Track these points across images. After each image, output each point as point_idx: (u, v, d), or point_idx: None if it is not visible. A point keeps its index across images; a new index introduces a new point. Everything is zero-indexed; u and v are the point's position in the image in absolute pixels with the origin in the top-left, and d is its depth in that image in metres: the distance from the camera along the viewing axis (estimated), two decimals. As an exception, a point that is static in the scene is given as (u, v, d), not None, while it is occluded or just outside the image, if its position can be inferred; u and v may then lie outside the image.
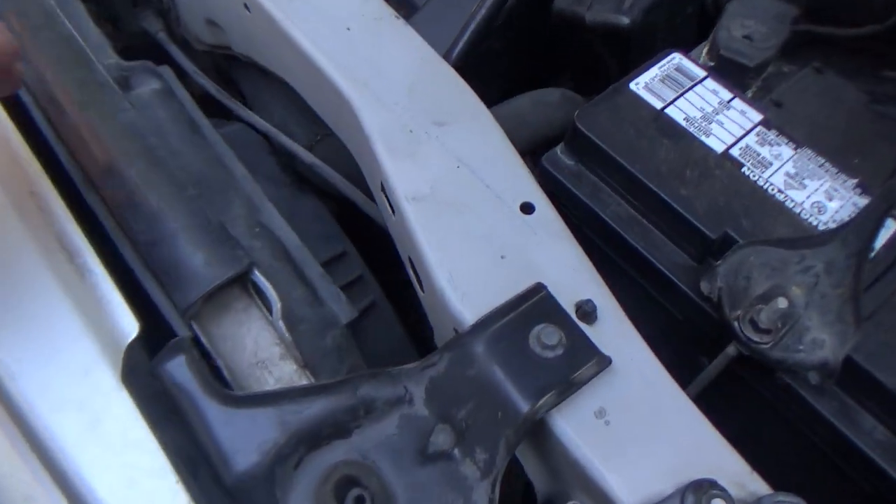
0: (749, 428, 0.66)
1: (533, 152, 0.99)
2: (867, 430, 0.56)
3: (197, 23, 0.78)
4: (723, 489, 0.41)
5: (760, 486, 0.43)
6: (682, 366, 0.68)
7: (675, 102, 0.68)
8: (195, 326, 0.49)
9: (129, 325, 0.47)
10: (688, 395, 0.62)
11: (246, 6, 0.66)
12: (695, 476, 0.43)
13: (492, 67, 0.94)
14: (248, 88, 0.86)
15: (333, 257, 0.81)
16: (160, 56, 0.83)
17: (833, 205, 0.63)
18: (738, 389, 0.63)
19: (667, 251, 0.64)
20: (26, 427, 0.44)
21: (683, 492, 0.41)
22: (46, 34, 0.59)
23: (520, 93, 1.05)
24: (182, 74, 0.79)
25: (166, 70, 0.68)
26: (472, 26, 0.81)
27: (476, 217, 0.52)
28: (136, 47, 0.85)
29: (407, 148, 0.55)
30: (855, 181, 0.64)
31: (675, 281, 0.62)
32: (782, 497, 0.41)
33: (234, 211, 0.57)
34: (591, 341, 0.46)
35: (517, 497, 0.56)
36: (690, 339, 0.66)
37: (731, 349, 0.57)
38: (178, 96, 0.65)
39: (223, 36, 0.77)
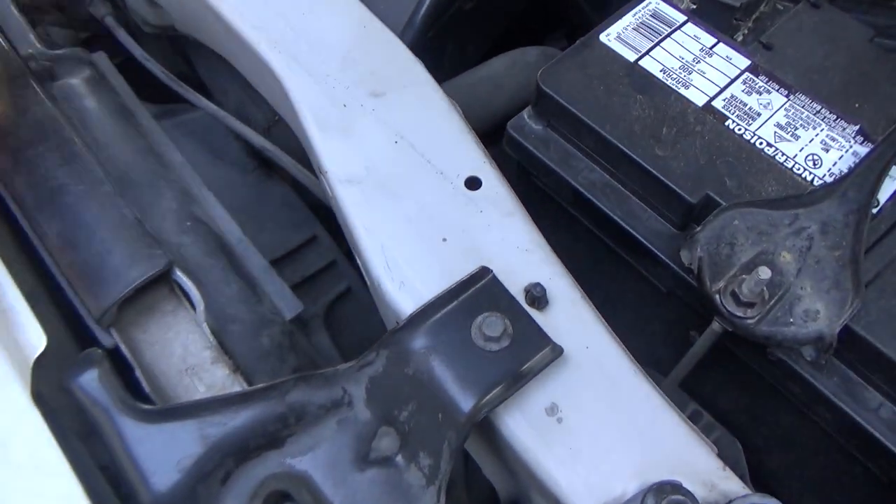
0: (747, 407, 0.61)
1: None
2: (872, 407, 0.50)
3: (140, 4, 0.73)
4: (687, 492, 0.36)
5: (733, 486, 0.38)
6: (673, 342, 0.63)
7: (651, 53, 0.61)
8: (115, 333, 0.45)
9: (37, 339, 0.43)
10: (675, 375, 0.57)
11: (175, -19, 0.61)
12: (660, 476, 0.38)
13: (464, 30, 0.88)
14: (204, 70, 0.81)
15: (303, 243, 0.77)
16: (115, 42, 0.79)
17: (830, 156, 0.56)
18: (732, 366, 0.57)
19: (645, 219, 0.58)
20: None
21: (643, 496, 0.36)
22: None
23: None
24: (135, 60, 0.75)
25: (101, 57, 0.64)
26: (435, -15, 0.75)
27: (415, 197, 0.47)
28: (99, 36, 0.82)
29: (340, 125, 0.50)
30: (856, 127, 0.57)
31: (655, 251, 0.57)
32: (756, 499, 0.36)
33: (163, 205, 0.53)
34: (540, 329, 0.41)
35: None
36: (678, 313, 0.61)
37: (715, 325, 0.52)
38: (112, 84, 0.61)
39: (166, 16, 0.72)
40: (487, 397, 0.40)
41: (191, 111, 0.79)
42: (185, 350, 0.47)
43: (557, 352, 0.41)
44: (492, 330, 0.41)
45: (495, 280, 0.43)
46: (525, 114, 0.63)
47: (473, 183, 0.48)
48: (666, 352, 0.64)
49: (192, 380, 0.46)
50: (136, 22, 0.81)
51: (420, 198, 0.47)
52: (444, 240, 0.45)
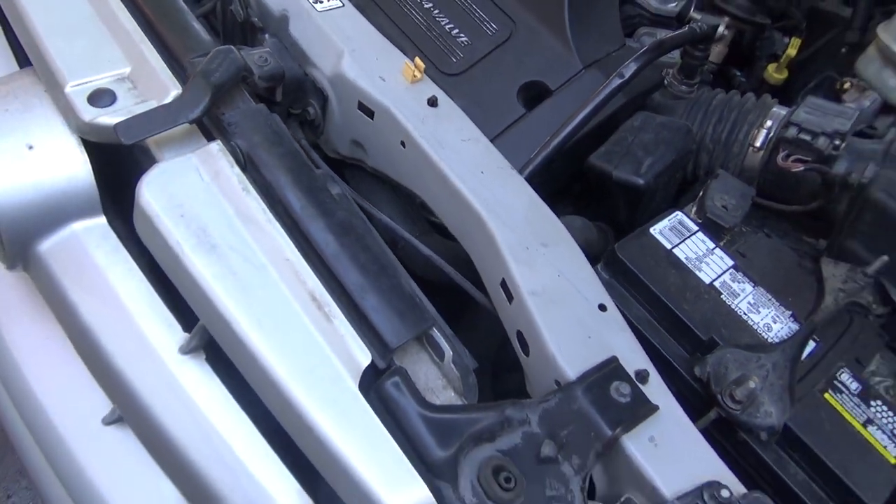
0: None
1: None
2: (793, 473, 0.86)
3: (342, 140, 1.06)
4: (725, 485, 0.70)
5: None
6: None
7: (679, 245, 1.01)
8: (395, 360, 0.75)
9: (362, 355, 0.72)
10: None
11: (402, 144, 0.95)
12: (706, 478, 0.72)
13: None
14: (361, 187, 1.13)
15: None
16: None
17: (777, 326, 0.96)
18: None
19: (670, 345, 0.94)
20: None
21: (700, 490, 0.70)
22: (279, 149, 0.85)
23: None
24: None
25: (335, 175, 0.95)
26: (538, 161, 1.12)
27: (572, 310, 0.81)
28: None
29: (526, 259, 0.84)
30: (790, 313, 0.98)
31: (676, 366, 0.93)
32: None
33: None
34: (645, 395, 0.76)
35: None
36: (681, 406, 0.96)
37: (713, 413, 0.87)
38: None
39: (362, 154, 1.05)
40: (620, 428, 0.73)
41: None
42: (426, 377, 0.77)
43: (655, 408, 0.75)
44: (624, 390, 0.75)
45: (620, 364, 0.78)
46: (599, 266, 0.99)
47: (602, 307, 0.83)
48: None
49: (432, 397, 0.75)
50: (314, 143, 1.13)
51: (575, 311, 0.81)
52: (589, 337, 0.80)
